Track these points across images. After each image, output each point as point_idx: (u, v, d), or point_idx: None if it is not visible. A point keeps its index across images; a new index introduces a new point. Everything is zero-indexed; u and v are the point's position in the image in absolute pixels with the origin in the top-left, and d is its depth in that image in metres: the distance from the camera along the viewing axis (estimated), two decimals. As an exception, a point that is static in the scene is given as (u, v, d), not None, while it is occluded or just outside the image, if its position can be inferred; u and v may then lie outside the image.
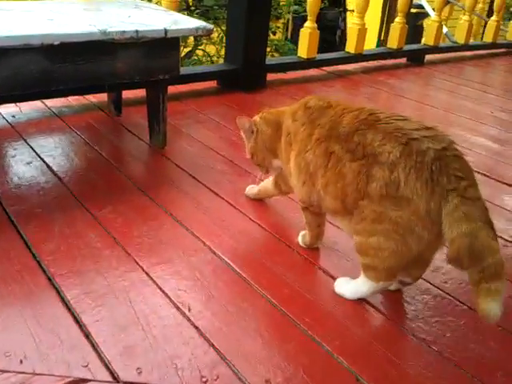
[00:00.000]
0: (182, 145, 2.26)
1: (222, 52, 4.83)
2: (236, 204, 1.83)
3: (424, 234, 1.20)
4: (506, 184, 2.19)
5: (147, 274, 1.43)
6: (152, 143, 2.22)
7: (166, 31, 1.90)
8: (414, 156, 1.19)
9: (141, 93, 2.45)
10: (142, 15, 2.04)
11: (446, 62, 4.22)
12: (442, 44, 4.18)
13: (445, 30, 4.19)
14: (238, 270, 1.47)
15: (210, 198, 1.85)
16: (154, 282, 1.40)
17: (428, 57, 4.12)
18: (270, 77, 3.23)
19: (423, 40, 4.28)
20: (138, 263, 1.46)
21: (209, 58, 4.40)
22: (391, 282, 1.36)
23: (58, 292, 1.34)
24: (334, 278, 1.47)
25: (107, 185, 1.88)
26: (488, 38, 4.54)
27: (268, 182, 1.75)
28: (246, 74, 2.98)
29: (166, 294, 1.35)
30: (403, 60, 4.03)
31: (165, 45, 1.96)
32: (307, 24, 3.27)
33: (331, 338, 1.26)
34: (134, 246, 1.54)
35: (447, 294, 1.46)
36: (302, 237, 1.60)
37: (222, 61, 4.62)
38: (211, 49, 4.58)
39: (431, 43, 4.02)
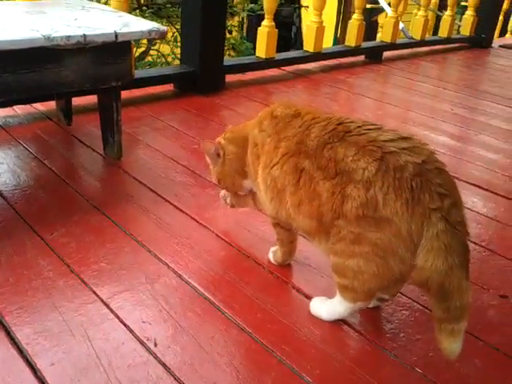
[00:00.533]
0: (139, 155, 2.13)
1: (177, 51, 4.68)
2: (200, 219, 1.71)
3: (407, 255, 1.10)
4: (474, 185, 2.16)
5: (107, 305, 1.30)
6: (107, 154, 2.08)
7: (116, 35, 1.76)
8: (391, 172, 1.09)
9: (92, 99, 2.30)
10: (90, 18, 1.90)
11: (404, 59, 4.22)
12: (399, 40, 4.17)
13: (401, 25, 4.18)
14: (206, 295, 1.37)
15: (173, 214, 1.73)
16: (115, 314, 1.27)
17: (385, 54, 4.10)
18: (229, 78, 3.13)
19: (379, 36, 4.27)
20: (96, 293, 1.34)
21: (163, 59, 4.24)
22: (369, 302, 1.29)
23: (8, 332, 1.20)
24: (309, 297, 1.38)
25: (59, 204, 1.73)
26: (443, 33, 4.56)
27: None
28: (203, 76, 2.86)
29: (129, 328, 1.23)
30: (361, 57, 4.00)
31: (115, 49, 1.83)
32: (265, 23, 3.18)
33: (311, 367, 1.17)
34: (91, 273, 1.41)
35: (425, 307, 1.39)
36: (273, 253, 1.51)
37: (177, 61, 4.49)
38: (165, 49, 4.42)
39: (388, 40, 4.00)
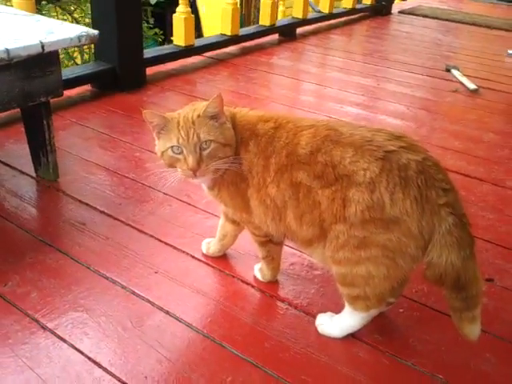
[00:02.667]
0: (77, 172, 1.91)
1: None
2: (166, 239, 1.57)
3: (418, 253, 1.10)
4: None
5: (96, 363, 1.14)
6: (40, 177, 1.85)
7: (42, 45, 1.54)
8: (396, 171, 1.08)
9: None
10: (3, 25, 1.64)
11: (314, 34, 4.19)
12: (310, 15, 4.14)
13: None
14: (203, 331, 1.25)
15: (137, 239, 1.57)
16: (110, 373, 1.12)
17: (298, 30, 4.05)
18: (149, 70, 2.91)
19: (282, 10, 4.23)
20: (79, 350, 1.17)
21: (67, 55, 3.87)
22: (381, 307, 1.25)
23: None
24: (309, 314, 1.32)
25: (1, 245, 1.50)
26: (347, 3, 4.59)
27: (223, 227, 1.45)
28: (124, 72, 2.64)
29: (132, 388, 1.10)
30: (276, 36, 3.92)
31: (42, 61, 1.60)
32: (180, 9, 2.99)
33: (338, 396, 1.11)
34: (66, 326, 1.23)
35: (423, 304, 1.38)
36: (261, 271, 1.42)
37: (79, 55, 4.13)
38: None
39: (300, 16, 3.95)
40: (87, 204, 1.72)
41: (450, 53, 3.96)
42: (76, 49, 4.20)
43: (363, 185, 1.08)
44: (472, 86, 3.06)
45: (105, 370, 1.13)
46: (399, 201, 1.07)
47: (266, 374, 1.14)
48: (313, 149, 1.14)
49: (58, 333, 1.22)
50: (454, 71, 3.33)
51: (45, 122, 1.73)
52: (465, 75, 3.25)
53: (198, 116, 1.17)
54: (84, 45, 1.70)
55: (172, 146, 1.17)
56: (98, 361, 1.15)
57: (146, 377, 1.12)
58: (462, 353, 1.24)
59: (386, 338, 1.27)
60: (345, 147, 1.11)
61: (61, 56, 3.84)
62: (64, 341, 1.20)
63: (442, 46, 4.18)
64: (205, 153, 1.17)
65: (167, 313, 1.30)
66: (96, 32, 1.68)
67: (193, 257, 1.51)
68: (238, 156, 1.21)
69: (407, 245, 1.08)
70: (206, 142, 1.16)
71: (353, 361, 1.20)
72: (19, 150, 1.98)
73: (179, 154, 1.17)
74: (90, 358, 1.16)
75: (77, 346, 1.18)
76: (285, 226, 1.21)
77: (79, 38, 1.63)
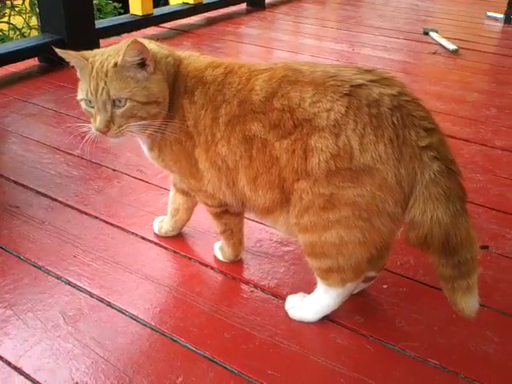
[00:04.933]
0: (14, 151, 1.68)
1: (33, 22, 4.02)
2: (113, 220, 1.36)
3: (397, 210, 0.91)
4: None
5: (18, 369, 0.93)
6: (-29, 157, 1.62)
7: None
8: (365, 108, 0.89)
9: None
10: None
11: (285, 3, 3.96)
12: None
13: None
14: (151, 324, 1.04)
15: (78, 221, 1.36)
16: (34, 380, 0.91)
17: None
18: (103, 43, 2.66)
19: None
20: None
21: (18, 32, 3.61)
22: (359, 280, 1.04)
23: None
24: (279, 296, 1.12)
25: None
26: (318, -29, 4.36)
27: (174, 200, 1.24)
28: (73, 44, 2.37)
29: (58, 399, 0.89)
30: (243, 5, 3.68)
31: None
32: (135, -27, 2.74)
33: (312, 392, 0.92)
34: (-15, 327, 1.02)
35: (410, 278, 1.19)
36: (221, 250, 1.21)
37: (34, 32, 3.86)
38: (18, 20, 3.76)
39: (269, -17, 3.72)
40: (23, 185, 1.50)
41: (428, 17, 3.77)
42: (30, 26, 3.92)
43: (326, 129, 0.90)
44: (452, 47, 2.86)
45: (27, 376, 0.92)
46: (370, 145, 0.88)
47: (224, 371, 0.94)
48: (268, 94, 0.95)
49: (-25, 337, 1.00)
50: (432, 34, 3.13)
51: (-32, 93, 1.49)
52: (444, 37, 3.06)
53: (115, 65, 0.95)
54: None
55: (82, 99, 0.99)
56: (19, 366, 0.94)
57: (76, 382, 0.91)
58: (459, 332, 1.05)
59: (368, 320, 1.07)
60: (304, 86, 0.93)
61: (12, 34, 3.57)
62: (-20, 345, 0.98)
63: (420, 10, 3.98)
64: (118, 112, 0.96)
65: (109, 304, 1.09)
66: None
67: (143, 238, 1.30)
68: (171, 116, 1.02)
69: (383, 200, 0.89)
70: (118, 99, 0.95)
71: (330, 348, 1.01)
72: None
73: (92, 108, 0.98)
74: (9, 364, 0.95)
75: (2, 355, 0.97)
76: (240, 191, 1.01)
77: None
